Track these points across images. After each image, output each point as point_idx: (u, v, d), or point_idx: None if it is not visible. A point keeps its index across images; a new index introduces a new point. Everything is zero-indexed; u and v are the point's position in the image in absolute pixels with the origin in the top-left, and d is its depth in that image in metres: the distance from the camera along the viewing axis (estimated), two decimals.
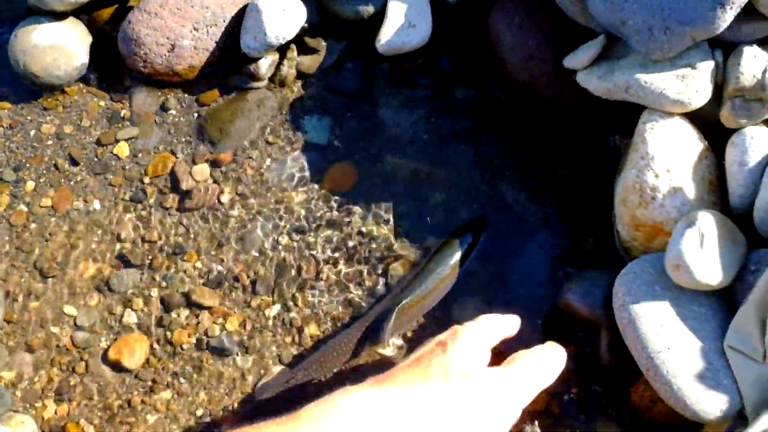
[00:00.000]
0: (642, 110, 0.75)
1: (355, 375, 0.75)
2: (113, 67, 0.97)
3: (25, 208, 0.87)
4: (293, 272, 0.82)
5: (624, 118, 0.79)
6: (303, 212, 0.86)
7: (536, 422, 0.69)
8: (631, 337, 0.66)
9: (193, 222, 0.86)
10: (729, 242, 0.66)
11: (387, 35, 0.90)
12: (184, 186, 0.88)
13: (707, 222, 0.65)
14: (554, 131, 0.89)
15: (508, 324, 0.68)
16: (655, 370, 0.64)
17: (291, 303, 0.80)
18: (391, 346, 0.77)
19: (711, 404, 0.62)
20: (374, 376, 0.61)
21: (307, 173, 0.88)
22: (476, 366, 0.61)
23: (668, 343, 0.64)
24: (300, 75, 0.96)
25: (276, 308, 0.80)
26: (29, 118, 0.94)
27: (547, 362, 0.64)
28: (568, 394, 0.72)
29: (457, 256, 0.80)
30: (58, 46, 0.93)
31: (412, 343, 0.77)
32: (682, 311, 0.66)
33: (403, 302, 0.75)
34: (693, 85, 0.71)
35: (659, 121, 0.72)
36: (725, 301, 0.67)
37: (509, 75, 0.89)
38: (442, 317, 0.79)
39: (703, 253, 0.64)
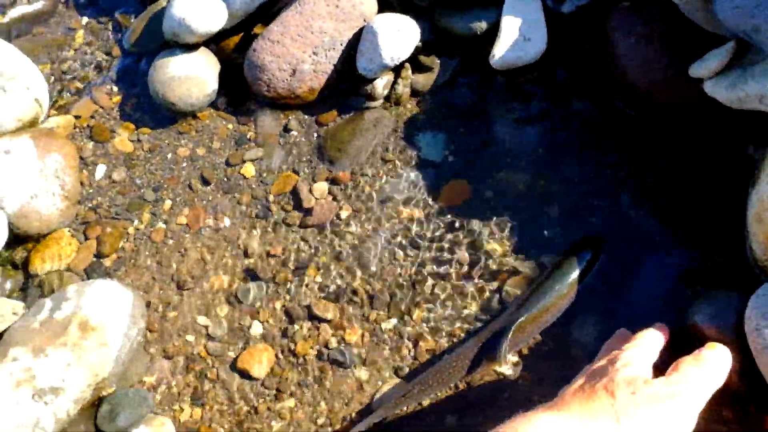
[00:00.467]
0: None
1: (473, 393, 0.75)
2: (240, 92, 1.03)
3: (163, 226, 0.95)
4: (409, 287, 0.84)
5: (758, 126, 0.74)
6: (418, 228, 0.87)
7: None
8: (766, 363, 0.62)
9: (314, 238, 0.90)
10: None
11: (501, 50, 0.90)
12: (305, 204, 0.92)
13: None
14: (679, 141, 0.85)
15: (664, 337, 0.67)
16: None
17: (407, 317, 0.82)
18: (508, 363, 0.76)
19: None
20: (545, 403, 0.62)
21: (422, 190, 0.90)
22: (640, 382, 0.60)
23: None
24: (414, 93, 0.98)
25: (392, 322, 0.82)
26: (167, 141, 1.02)
27: (711, 363, 0.62)
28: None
29: (576, 272, 0.78)
30: (192, 76, 1.01)
31: (529, 360, 0.77)
32: None
33: (521, 319, 0.74)
34: None
35: None
36: None
37: (629, 83, 0.86)
38: (561, 334, 0.77)
39: None
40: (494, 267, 0.83)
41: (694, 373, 0.61)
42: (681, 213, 0.81)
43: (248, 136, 1.00)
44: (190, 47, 1.03)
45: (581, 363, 0.67)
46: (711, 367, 0.62)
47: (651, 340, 0.66)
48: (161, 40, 1.06)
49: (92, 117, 1.06)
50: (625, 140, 0.87)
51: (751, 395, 0.67)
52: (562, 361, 0.76)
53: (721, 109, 0.75)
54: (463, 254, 0.84)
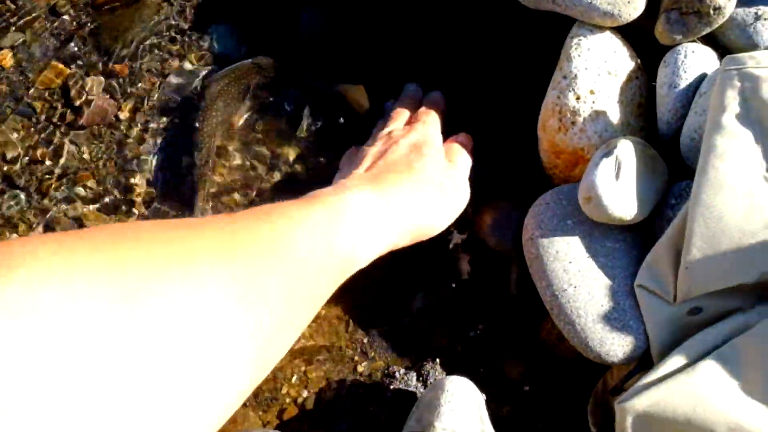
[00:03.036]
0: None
1: None
2: None
3: None
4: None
5: (557, 29, 0.71)
6: None
7: (438, 360, 0.66)
8: (538, 273, 0.61)
9: (87, 141, 0.78)
10: (649, 173, 0.60)
11: None
12: (76, 101, 0.79)
13: (626, 150, 0.59)
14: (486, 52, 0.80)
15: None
16: (559, 309, 0.59)
17: None
18: None
19: (615, 346, 0.58)
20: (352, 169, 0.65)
21: None
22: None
23: (575, 282, 0.59)
24: None
25: None
26: None
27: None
28: (474, 331, 0.68)
29: None
30: None
31: None
32: (593, 247, 0.61)
33: None
34: None
35: (587, 37, 0.65)
36: (641, 237, 0.62)
37: None
38: None
39: (618, 184, 0.58)
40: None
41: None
42: (486, 121, 0.78)
43: (6, 17, 0.84)
44: None
45: None
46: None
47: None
48: None
49: None
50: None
51: (529, 306, 0.67)
52: None
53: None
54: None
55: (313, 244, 0.49)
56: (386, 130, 0.71)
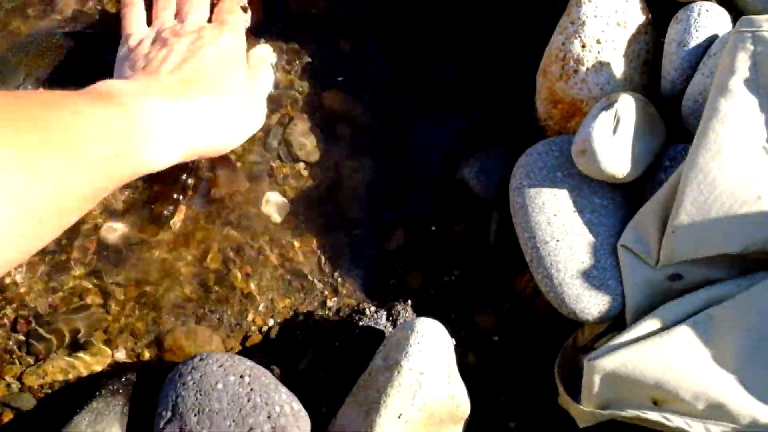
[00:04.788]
0: None
1: None
2: None
3: None
4: None
5: None
6: None
7: (409, 302, 0.65)
8: (521, 223, 0.60)
9: None
10: (647, 132, 0.58)
11: None
12: None
13: (627, 106, 0.57)
14: None
15: None
16: (539, 261, 0.58)
17: None
18: None
19: (591, 304, 0.57)
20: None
21: None
22: None
23: (558, 235, 0.58)
24: None
25: None
26: None
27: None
28: (448, 276, 0.67)
29: None
30: None
31: None
32: (580, 202, 0.59)
33: None
34: None
35: None
36: (630, 197, 0.61)
37: None
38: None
39: (614, 140, 0.56)
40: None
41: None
42: (480, 65, 0.75)
43: None
44: None
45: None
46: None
47: None
48: None
49: None
50: None
51: (507, 256, 0.66)
52: None
53: None
54: None
55: (105, 148, 0.49)
56: (165, 21, 0.68)
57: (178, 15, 0.69)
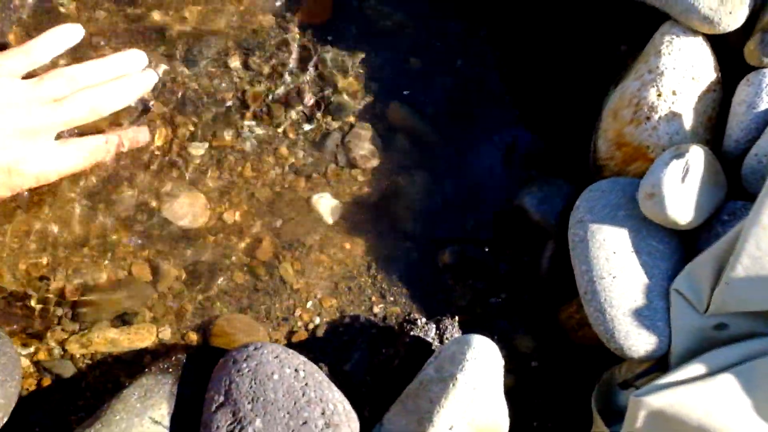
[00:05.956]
0: (663, 21, 0.67)
1: None
2: None
3: None
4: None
5: (633, 26, 0.71)
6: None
7: (456, 318, 0.66)
8: (580, 255, 0.61)
9: None
10: (711, 185, 0.61)
11: None
12: None
13: (697, 157, 0.59)
14: (551, 23, 0.79)
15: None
16: (593, 294, 0.60)
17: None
18: None
19: (639, 342, 0.59)
20: None
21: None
22: None
23: (615, 272, 0.60)
24: None
25: None
26: None
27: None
28: (495, 297, 0.68)
29: None
30: None
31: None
32: (639, 243, 0.61)
33: None
34: (729, 4, 0.63)
35: (680, 37, 0.65)
36: (685, 245, 0.63)
37: None
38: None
39: (682, 188, 0.59)
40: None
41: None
42: (543, 99, 0.77)
43: None
44: None
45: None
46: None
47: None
48: None
49: None
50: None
51: (555, 286, 0.68)
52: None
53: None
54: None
55: None
56: None
57: None
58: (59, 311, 0.63)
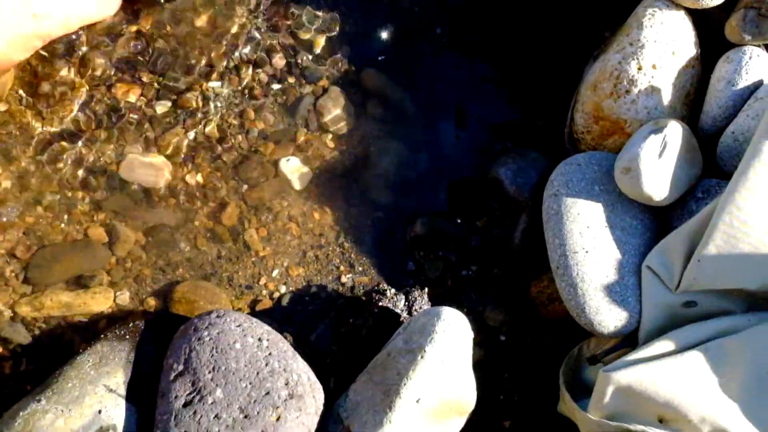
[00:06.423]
0: None
1: None
2: None
3: None
4: None
5: (615, 12, 0.69)
6: None
7: (426, 290, 0.65)
8: (553, 229, 0.60)
9: None
10: (687, 162, 0.60)
11: None
12: None
13: (675, 133, 0.59)
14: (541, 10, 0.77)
15: None
16: (565, 269, 0.59)
17: None
18: None
19: (609, 317, 0.58)
20: None
21: None
22: None
23: (588, 246, 0.59)
24: None
25: None
26: None
27: None
28: (466, 270, 0.67)
29: None
30: None
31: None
32: (613, 219, 0.61)
33: None
34: None
35: (662, 10, 0.63)
36: (659, 221, 0.63)
37: None
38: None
39: (659, 164, 0.58)
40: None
41: None
42: (522, 74, 0.76)
43: None
44: None
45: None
46: None
47: None
48: None
49: None
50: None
51: (526, 259, 0.67)
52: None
53: None
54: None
55: None
56: None
57: None
58: (8, 270, 0.60)
